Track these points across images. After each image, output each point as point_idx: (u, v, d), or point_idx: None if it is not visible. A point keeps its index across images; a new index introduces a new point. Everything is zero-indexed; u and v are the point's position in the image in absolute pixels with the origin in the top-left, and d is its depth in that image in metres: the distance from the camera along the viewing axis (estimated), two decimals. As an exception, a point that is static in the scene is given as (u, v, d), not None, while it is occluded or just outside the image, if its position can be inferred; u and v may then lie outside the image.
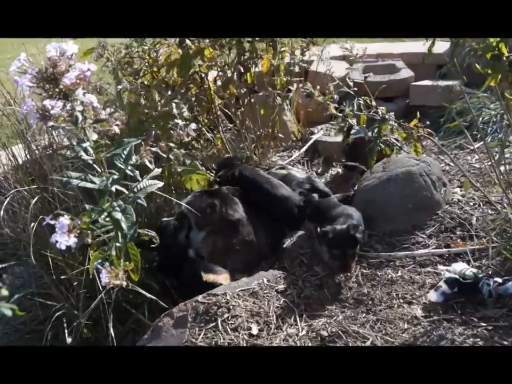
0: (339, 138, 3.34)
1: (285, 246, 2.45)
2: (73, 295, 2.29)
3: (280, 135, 3.38)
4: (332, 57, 3.63)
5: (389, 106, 3.00)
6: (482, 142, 2.93)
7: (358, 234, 2.14)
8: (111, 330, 2.07)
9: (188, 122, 2.18)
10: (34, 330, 2.36)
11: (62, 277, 2.28)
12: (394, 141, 2.14)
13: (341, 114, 1.88)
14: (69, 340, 2.19)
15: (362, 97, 1.99)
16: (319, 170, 3.39)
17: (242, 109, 3.21)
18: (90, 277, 2.06)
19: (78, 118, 1.36)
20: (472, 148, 2.99)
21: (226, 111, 3.25)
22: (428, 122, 2.25)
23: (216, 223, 2.42)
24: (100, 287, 1.98)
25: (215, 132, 3.23)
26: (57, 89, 1.34)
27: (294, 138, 3.74)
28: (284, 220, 2.61)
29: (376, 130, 1.92)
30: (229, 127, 3.32)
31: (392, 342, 1.75)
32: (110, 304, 2.12)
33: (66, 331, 2.21)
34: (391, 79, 4.03)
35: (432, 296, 1.96)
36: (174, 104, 2.57)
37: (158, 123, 2.47)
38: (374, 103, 2.00)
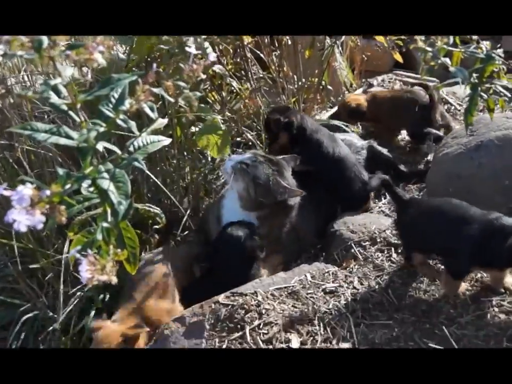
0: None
1: (334, 230, 2.42)
2: (48, 292, 2.24)
3: (328, 86, 3.37)
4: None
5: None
6: None
7: None
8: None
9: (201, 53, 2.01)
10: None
11: (32, 266, 2.22)
12: (502, 90, 1.90)
13: (430, 49, 1.66)
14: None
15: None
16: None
17: (280, 51, 3.18)
18: (71, 268, 2.03)
19: (41, 42, 1.19)
20: None
21: (259, 53, 3.20)
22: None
23: (274, 203, 2.38)
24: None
25: (242, 80, 3.18)
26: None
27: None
28: (341, 197, 2.62)
29: (476, 74, 1.71)
30: (261, 75, 3.30)
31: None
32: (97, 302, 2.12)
33: (37, 339, 2.17)
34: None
35: None
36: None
37: (162, 55, 2.38)
38: (475, 36, 1.81)
